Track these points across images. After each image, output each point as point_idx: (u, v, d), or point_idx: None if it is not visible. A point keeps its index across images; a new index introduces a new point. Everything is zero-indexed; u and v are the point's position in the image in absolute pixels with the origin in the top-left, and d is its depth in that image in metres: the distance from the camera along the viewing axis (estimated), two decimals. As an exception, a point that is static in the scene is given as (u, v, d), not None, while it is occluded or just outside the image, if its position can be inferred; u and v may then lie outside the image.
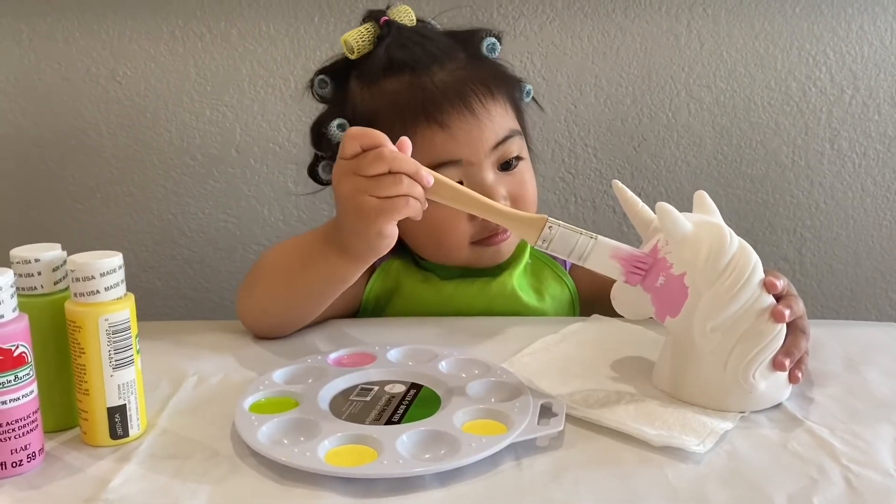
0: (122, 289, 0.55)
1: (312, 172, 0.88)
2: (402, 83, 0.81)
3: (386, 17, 0.82)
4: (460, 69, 0.82)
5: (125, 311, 0.54)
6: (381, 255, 0.68)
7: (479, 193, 0.72)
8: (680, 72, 1.16)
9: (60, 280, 0.56)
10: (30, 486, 0.51)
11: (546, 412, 0.57)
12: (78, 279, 0.53)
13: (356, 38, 0.81)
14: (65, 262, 0.56)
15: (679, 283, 0.60)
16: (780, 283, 0.61)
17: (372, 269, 0.87)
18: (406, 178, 0.62)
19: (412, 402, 0.59)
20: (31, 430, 0.52)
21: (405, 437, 0.53)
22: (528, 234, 0.63)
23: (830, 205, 1.22)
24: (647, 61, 1.16)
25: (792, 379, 0.62)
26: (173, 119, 1.14)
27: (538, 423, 0.55)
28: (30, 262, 0.55)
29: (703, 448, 0.54)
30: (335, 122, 0.81)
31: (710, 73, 1.17)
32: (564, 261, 0.80)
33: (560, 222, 0.63)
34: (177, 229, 1.18)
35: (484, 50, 0.85)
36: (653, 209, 0.63)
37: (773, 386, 0.61)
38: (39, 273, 0.55)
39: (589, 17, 1.14)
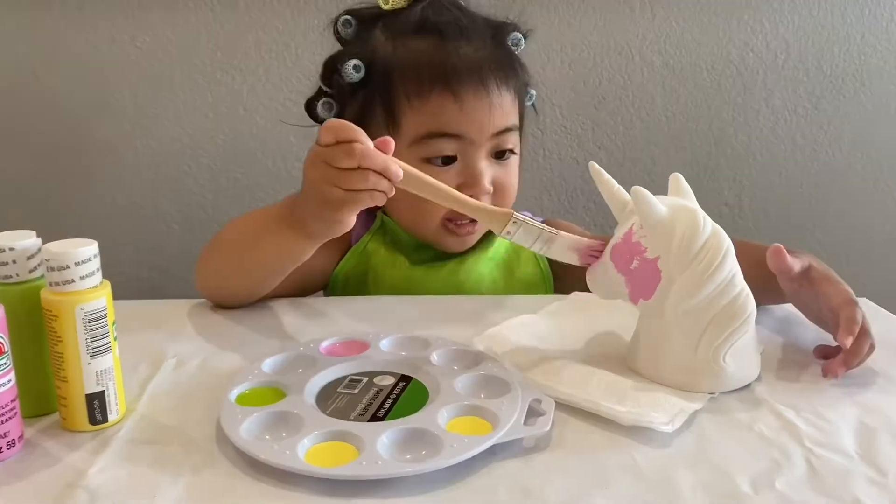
0: (97, 277, 0.53)
1: (310, 107, 0.86)
2: (428, 45, 0.81)
3: None
4: (485, 50, 0.82)
5: (102, 300, 0.52)
6: (333, 237, 0.67)
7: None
8: (634, 39, 1.29)
9: (35, 268, 0.54)
10: (9, 473, 0.49)
11: (534, 410, 0.55)
12: (53, 268, 0.51)
13: None
14: (39, 250, 0.54)
15: (653, 267, 0.59)
16: (858, 320, 0.61)
17: (345, 249, 0.89)
18: (373, 175, 0.61)
19: (400, 396, 0.57)
20: (10, 419, 0.50)
21: (386, 435, 0.51)
22: (494, 226, 0.65)
23: (766, 156, 1.37)
24: (606, 30, 1.29)
25: (832, 372, 0.61)
26: (187, 80, 1.25)
27: (525, 423, 0.53)
28: (4, 250, 0.53)
29: (672, 427, 0.53)
30: (351, 62, 0.80)
31: (660, 39, 1.30)
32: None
33: (524, 217, 0.64)
34: (191, 178, 1.30)
35: (509, 42, 0.86)
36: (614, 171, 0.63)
37: (743, 367, 0.61)
38: (14, 261, 0.53)
39: (555, -9, 1.26)
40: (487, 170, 0.82)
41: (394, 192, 0.63)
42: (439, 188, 0.64)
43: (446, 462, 0.49)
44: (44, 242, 0.54)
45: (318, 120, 0.86)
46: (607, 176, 0.64)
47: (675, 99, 1.33)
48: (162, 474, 0.49)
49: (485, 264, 0.90)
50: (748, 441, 0.54)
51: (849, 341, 0.61)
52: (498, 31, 0.86)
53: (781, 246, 0.66)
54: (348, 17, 0.86)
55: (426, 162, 0.81)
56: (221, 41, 1.25)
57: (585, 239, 0.65)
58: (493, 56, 0.83)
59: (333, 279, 0.89)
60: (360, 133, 0.62)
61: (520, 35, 0.88)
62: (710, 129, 1.34)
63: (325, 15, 1.22)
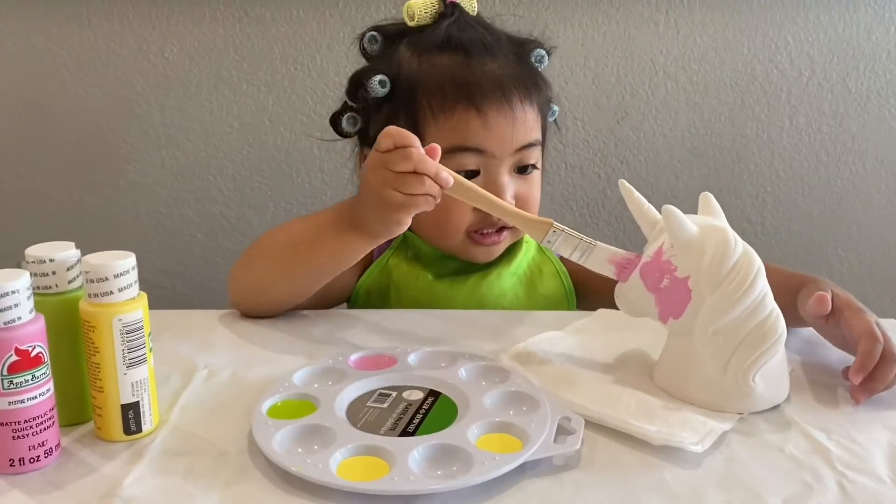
0: (135, 289, 0.54)
1: (335, 121, 0.87)
2: (453, 61, 0.82)
3: (452, 1, 0.84)
4: (509, 67, 0.83)
5: (138, 311, 0.54)
6: (392, 237, 0.72)
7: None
8: (658, 55, 1.30)
9: (74, 279, 0.55)
10: (47, 482, 0.50)
11: (563, 428, 0.55)
12: (92, 280, 0.52)
13: (420, 8, 0.83)
14: (78, 261, 0.55)
15: (683, 286, 0.59)
16: (875, 355, 0.61)
17: (367, 264, 0.89)
18: (428, 179, 0.65)
19: (429, 411, 0.57)
20: (48, 427, 0.51)
21: (417, 451, 0.51)
22: (535, 233, 0.67)
23: (788, 173, 1.36)
24: (630, 45, 1.29)
25: (855, 398, 0.62)
26: (214, 91, 1.27)
27: (555, 440, 0.53)
28: (44, 261, 0.54)
29: (702, 448, 0.53)
30: (377, 78, 0.81)
31: (684, 56, 1.30)
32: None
33: (564, 227, 0.66)
34: (216, 188, 1.31)
35: (533, 59, 0.87)
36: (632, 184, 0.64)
37: (772, 388, 0.60)
38: (54, 272, 0.54)
39: (579, 6, 1.27)
40: (510, 184, 0.83)
41: (440, 200, 0.67)
42: (485, 196, 0.68)
43: (477, 479, 0.49)
44: (75, 246, 0.56)
45: (343, 134, 0.88)
46: (637, 194, 0.65)
47: (698, 115, 1.33)
48: (195, 486, 0.50)
49: (507, 279, 0.90)
50: (778, 463, 0.54)
51: (858, 378, 0.61)
52: (521, 48, 0.87)
53: (827, 295, 0.65)
54: (374, 33, 0.87)
55: None
56: (247, 53, 1.26)
57: (622, 251, 0.65)
58: (517, 72, 0.84)
59: (355, 294, 0.90)
60: (416, 139, 0.65)
61: (543, 52, 0.88)
62: (734, 145, 1.34)
63: (351, 28, 1.25)
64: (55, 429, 0.52)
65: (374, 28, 0.88)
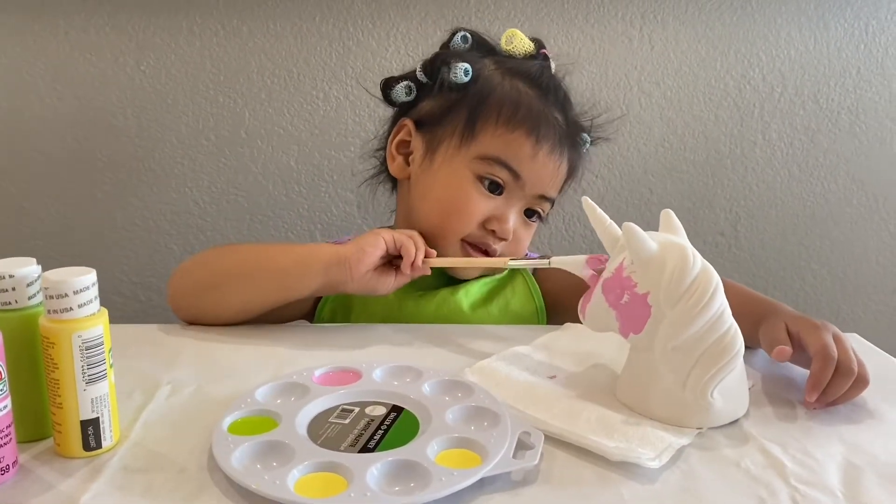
0: (95, 305, 0.54)
1: (388, 84, 0.90)
2: (532, 93, 0.87)
3: (546, 52, 0.92)
4: (567, 130, 0.88)
5: (98, 328, 0.53)
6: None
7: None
8: (633, 70, 1.31)
9: (34, 295, 0.55)
10: (4, 499, 0.50)
11: (523, 444, 0.55)
12: (52, 296, 0.52)
13: (519, 43, 0.90)
14: (39, 277, 0.55)
15: (643, 302, 0.60)
16: (826, 376, 0.63)
17: None
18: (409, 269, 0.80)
19: (391, 426, 0.57)
20: (6, 444, 0.51)
21: (376, 467, 0.51)
22: (496, 271, 0.87)
23: (762, 187, 1.38)
24: (605, 60, 1.31)
25: (806, 404, 0.64)
26: (190, 104, 1.27)
27: (514, 456, 0.53)
28: (4, 277, 0.54)
29: (658, 463, 0.54)
30: (464, 66, 0.85)
31: (658, 71, 1.32)
32: (534, 271, 0.94)
33: (517, 262, 0.79)
34: (192, 201, 1.31)
35: (579, 140, 0.92)
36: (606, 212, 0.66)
37: (731, 403, 0.61)
38: (14, 288, 0.54)
39: (554, 22, 1.29)
40: (517, 220, 0.88)
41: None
42: (450, 261, 0.84)
43: (434, 495, 0.49)
44: (43, 261, 0.55)
45: (390, 99, 0.91)
46: (600, 211, 0.66)
47: (672, 129, 1.34)
48: (154, 503, 0.50)
49: (475, 295, 0.91)
50: (734, 478, 0.54)
51: (812, 397, 0.63)
52: (576, 123, 0.92)
53: (786, 349, 0.67)
54: (467, 34, 0.91)
55: (478, 179, 0.86)
56: (224, 66, 1.27)
57: (581, 257, 0.69)
58: (570, 136, 0.89)
59: (320, 308, 0.91)
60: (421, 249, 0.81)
61: (587, 137, 0.93)
62: (707, 159, 1.36)
63: (328, 42, 1.26)
64: (12, 445, 0.52)
65: (465, 29, 0.91)
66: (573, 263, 0.70)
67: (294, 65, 1.27)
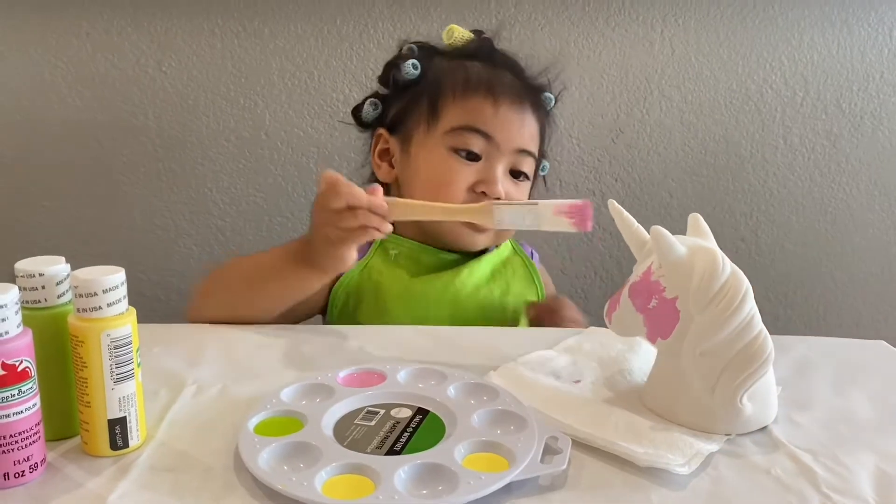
0: (124, 304, 0.54)
1: (357, 109, 0.96)
2: (477, 64, 0.92)
3: (487, 37, 0.97)
4: (522, 86, 0.93)
5: (127, 327, 0.54)
6: (345, 270, 0.81)
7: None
8: (653, 73, 1.31)
9: (63, 293, 0.55)
10: (31, 497, 0.50)
11: (550, 448, 0.55)
12: (81, 295, 0.52)
13: (459, 35, 0.95)
14: (68, 276, 0.55)
15: (671, 307, 0.59)
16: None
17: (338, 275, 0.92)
18: (361, 211, 0.71)
19: (417, 429, 0.57)
20: (34, 442, 0.51)
21: (403, 470, 0.51)
22: (484, 219, 0.76)
23: (783, 192, 1.37)
24: (625, 64, 1.30)
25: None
26: (211, 105, 1.28)
27: (541, 461, 0.53)
28: (34, 275, 0.54)
29: (688, 469, 0.53)
30: (410, 62, 0.91)
31: (679, 75, 1.31)
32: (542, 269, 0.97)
33: (503, 203, 0.77)
34: (211, 202, 1.31)
35: (542, 99, 0.96)
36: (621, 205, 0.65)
37: (760, 409, 0.60)
38: (43, 287, 0.54)
39: (575, 25, 1.28)
40: (504, 179, 0.90)
41: (390, 228, 0.73)
42: (425, 204, 0.78)
43: (462, 499, 0.48)
44: (65, 260, 0.55)
45: (362, 122, 0.97)
46: (627, 214, 0.65)
47: (692, 134, 1.34)
48: (180, 502, 0.49)
49: (479, 275, 0.94)
50: (764, 485, 0.53)
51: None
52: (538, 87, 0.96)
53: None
54: (413, 45, 0.96)
55: (454, 152, 0.89)
56: (245, 67, 1.27)
57: (566, 200, 0.71)
58: (529, 93, 0.93)
59: (334, 294, 0.92)
60: (345, 182, 0.72)
61: (551, 96, 0.97)
62: (728, 164, 1.35)
63: (349, 44, 1.27)
64: (41, 444, 0.52)
65: (415, 42, 0.96)
66: (559, 205, 0.72)
67: (315, 67, 1.27)
